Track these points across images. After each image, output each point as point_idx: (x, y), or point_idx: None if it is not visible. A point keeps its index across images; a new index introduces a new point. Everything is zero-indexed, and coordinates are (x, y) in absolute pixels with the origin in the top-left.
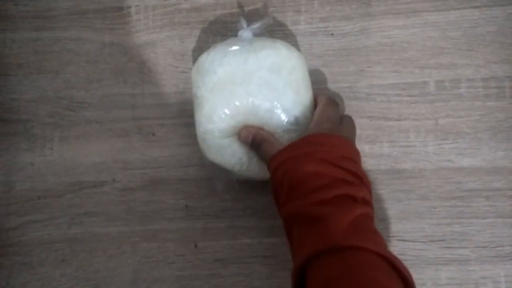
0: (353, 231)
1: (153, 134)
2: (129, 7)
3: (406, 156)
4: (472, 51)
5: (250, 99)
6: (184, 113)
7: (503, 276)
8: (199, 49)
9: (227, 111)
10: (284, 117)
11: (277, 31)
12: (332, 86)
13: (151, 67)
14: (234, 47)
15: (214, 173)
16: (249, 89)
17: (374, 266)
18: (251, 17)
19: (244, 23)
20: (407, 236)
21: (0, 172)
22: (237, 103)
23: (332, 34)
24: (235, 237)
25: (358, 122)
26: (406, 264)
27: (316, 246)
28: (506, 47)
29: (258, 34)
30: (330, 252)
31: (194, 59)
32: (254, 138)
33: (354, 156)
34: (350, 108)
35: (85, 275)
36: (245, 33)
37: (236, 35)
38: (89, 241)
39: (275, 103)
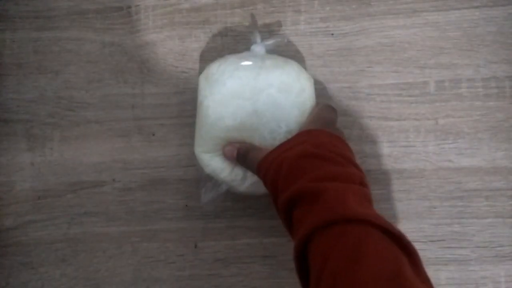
0: (354, 204)
1: (153, 134)
2: (129, 7)
3: (406, 156)
4: (472, 51)
5: (257, 116)
6: (184, 113)
7: (503, 276)
8: (199, 49)
9: (232, 124)
10: (288, 138)
11: (277, 31)
12: (332, 86)
13: (151, 67)
14: (246, 62)
15: (203, 183)
16: (257, 106)
17: (377, 239)
18: (263, 32)
19: (258, 38)
20: (407, 236)
21: (0, 172)
22: (243, 117)
23: (332, 34)
24: (235, 237)
25: (358, 122)
26: None
27: (318, 219)
28: (506, 47)
29: (270, 51)
30: (332, 226)
31: (194, 59)
32: (239, 151)
33: (343, 147)
34: (350, 108)
35: (85, 275)
36: (258, 48)
37: (236, 35)
38: (89, 241)
39: (281, 123)
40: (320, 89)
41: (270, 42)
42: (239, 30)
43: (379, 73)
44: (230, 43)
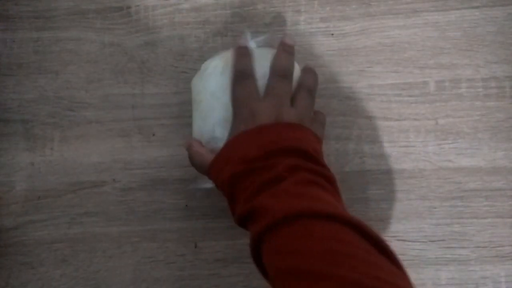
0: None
1: (153, 134)
2: (129, 7)
3: (406, 156)
4: (472, 51)
5: None
6: (185, 113)
7: (503, 276)
8: (199, 49)
9: (225, 116)
10: None
11: (277, 31)
12: (332, 86)
13: (151, 67)
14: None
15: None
16: None
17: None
18: (255, 27)
19: (248, 36)
20: (407, 236)
21: (0, 172)
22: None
23: (332, 34)
24: (235, 237)
25: (358, 122)
26: (406, 264)
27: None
28: (506, 47)
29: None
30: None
31: (194, 59)
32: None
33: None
34: (350, 108)
35: (85, 275)
36: (249, 45)
37: (236, 35)
38: (89, 241)
39: None
40: (320, 89)
41: (259, 39)
42: (239, 30)
43: (379, 73)
44: (230, 43)
